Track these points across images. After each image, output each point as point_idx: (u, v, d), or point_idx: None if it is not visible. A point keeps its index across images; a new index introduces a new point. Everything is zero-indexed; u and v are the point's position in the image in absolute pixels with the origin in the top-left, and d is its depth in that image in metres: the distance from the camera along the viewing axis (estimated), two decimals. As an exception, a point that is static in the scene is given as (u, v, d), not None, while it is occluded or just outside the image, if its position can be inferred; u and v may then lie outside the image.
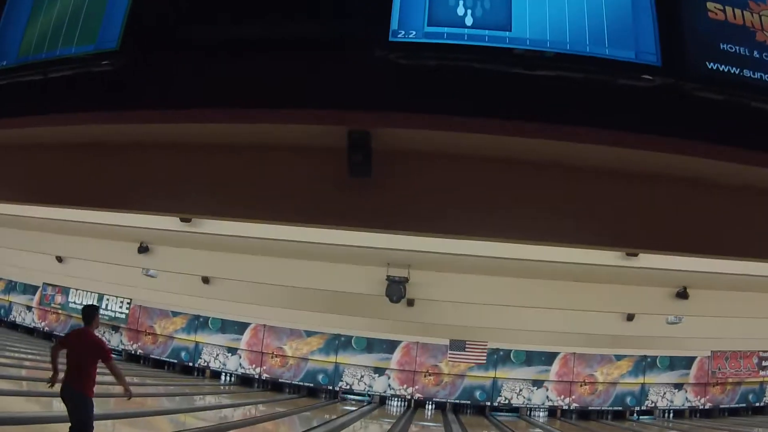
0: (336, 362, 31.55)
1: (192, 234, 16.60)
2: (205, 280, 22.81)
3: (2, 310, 36.86)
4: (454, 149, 8.38)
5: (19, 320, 36.26)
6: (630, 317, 22.44)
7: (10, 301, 36.63)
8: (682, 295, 19.18)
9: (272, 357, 31.97)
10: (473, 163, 8.78)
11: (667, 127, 6.33)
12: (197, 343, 32.69)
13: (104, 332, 32.63)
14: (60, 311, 33.96)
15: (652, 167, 8.06)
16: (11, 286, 36.30)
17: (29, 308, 35.89)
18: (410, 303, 21.47)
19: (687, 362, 32.40)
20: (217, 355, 32.53)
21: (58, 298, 33.41)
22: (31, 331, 35.41)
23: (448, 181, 8.90)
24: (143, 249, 20.11)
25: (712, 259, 13.37)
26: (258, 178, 9.35)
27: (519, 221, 9.19)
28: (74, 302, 32.31)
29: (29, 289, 35.48)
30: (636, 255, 14.04)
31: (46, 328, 35.05)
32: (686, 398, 32.61)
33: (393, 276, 18.59)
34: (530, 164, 8.47)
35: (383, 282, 18.61)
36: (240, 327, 32.33)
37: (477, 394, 31.49)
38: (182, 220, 14.56)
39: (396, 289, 18.61)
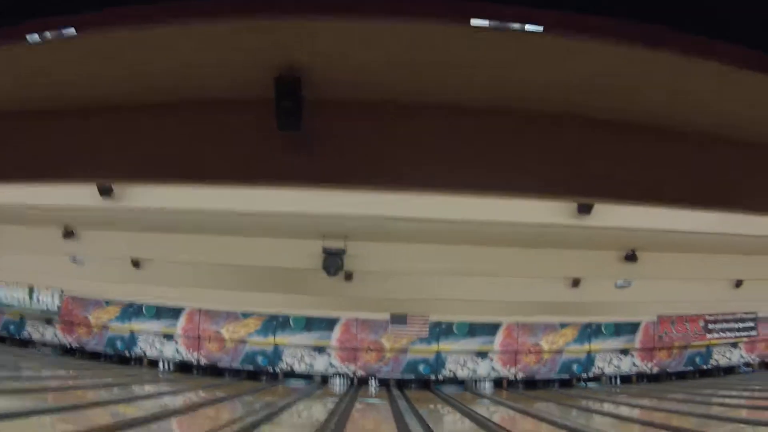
0: (275, 343, 30.88)
1: (117, 213, 15.83)
2: (136, 263, 22.07)
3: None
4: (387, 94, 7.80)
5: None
6: (575, 283, 22.24)
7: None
8: (631, 257, 19.07)
9: (209, 341, 31.17)
10: (408, 111, 8.23)
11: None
12: (132, 331, 31.68)
13: (37, 326, 31.87)
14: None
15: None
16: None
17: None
18: (348, 277, 20.95)
19: (632, 328, 32.39)
20: (154, 342, 31.55)
21: None
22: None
23: (383, 131, 8.31)
24: (69, 234, 19.42)
25: (659, 212, 13.21)
26: (182, 137, 8.72)
27: (464, 171, 8.64)
28: (4, 297, 31.35)
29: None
30: (588, 211, 13.50)
31: None
32: (633, 363, 32.54)
33: (329, 248, 17.97)
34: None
35: (319, 255, 18.01)
36: (175, 313, 31.44)
37: (421, 368, 30.94)
38: (102, 193, 13.72)
39: (333, 262, 18.00)
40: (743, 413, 17.87)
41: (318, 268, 18.05)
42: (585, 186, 9.17)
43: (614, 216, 13.92)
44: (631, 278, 20.95)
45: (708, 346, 32.90)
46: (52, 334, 32.17)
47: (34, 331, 32.08)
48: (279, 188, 11.77)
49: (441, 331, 31.03)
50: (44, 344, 31.92)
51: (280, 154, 8.24)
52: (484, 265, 19.04)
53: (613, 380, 32.34)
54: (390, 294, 23.02)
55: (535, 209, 13.63)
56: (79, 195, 13.98)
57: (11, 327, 32.05)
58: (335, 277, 19.35)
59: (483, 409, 21.92)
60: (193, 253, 19.63)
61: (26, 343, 31.92)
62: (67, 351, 31.99)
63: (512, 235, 16.91)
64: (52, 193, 13.91)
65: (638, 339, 32.48)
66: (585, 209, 13.39)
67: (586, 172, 8.89)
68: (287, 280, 21.88)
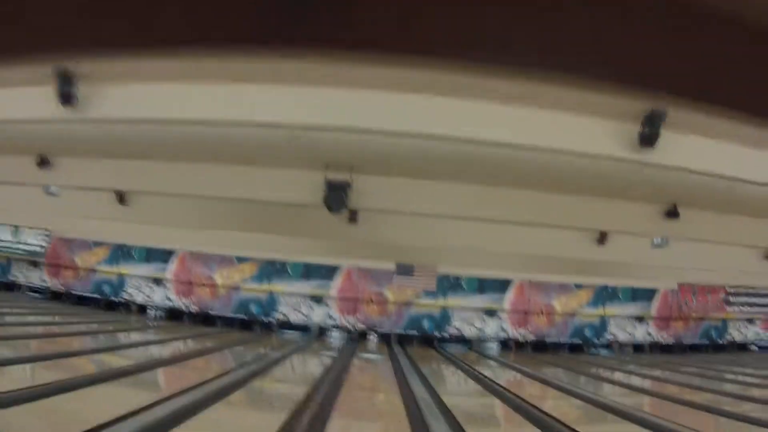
0: (270, 291, 29.26)
1: (90, 132, 14.93)
2: (121, 198, 20.64)
3: None
4: None
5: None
6: (602, 239, 20.63)
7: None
8: (672, 213, 17.62)
9: (201, 287, 29.63)
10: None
11: None
12: (121, 275, 30.20)
13: (23, 269, 30.87)
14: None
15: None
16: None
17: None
18: (353, 218, 19.23)
19: (650, 294, 31.15)
20: (142, 287, 30.08)
21: None
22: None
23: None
24: (43, 162, 18.25)
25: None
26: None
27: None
28: None
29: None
30: (652, 142, 11.74)
31: None
32: (648, 332, 31.27)
33: (333, 180, 16.25)
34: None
35: (321, 189, 16.34)
36: (166, 256, 29.94)
37: (425, 324, 29.33)
38: (63, 99, 12.01)
39: (336, 197, 16.25)
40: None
41: (319, 205, 16.35)
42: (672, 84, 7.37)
43: (677, 152, 12.18)
44: (670, 236, 19.35)
45: (724, 320, 32.16)
46: (38, 277, 31.04)
47: (20, 274, 31.10)
48: (281, 61, 9.90)
49: (449, 285, 29.46)
50: (31, 288, 30.85)
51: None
52: (503, 208, 17.39)
53: (625, 349, 30.91)
54: (397, 240, 21.28)
55: (591, 133, 11.88)
56: (35, 103, 12.44)
57: None
58: (339, 220, 18.29)
59: (490, 371, 20.50)
60: (182, 184, 18.07)
61: (12, 286, 30.89)
62: (56, 296, 30.68)
63: (545, 173, 15.16)
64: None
65: (655, 307, 31.30)
66: (649, 139, 11.63)
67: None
68: (286, 219, 20.32)
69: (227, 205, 19.59)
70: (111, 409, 7.59)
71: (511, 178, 16.07)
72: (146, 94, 12.14)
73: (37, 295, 30.40)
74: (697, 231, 18.59)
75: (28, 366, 11.85)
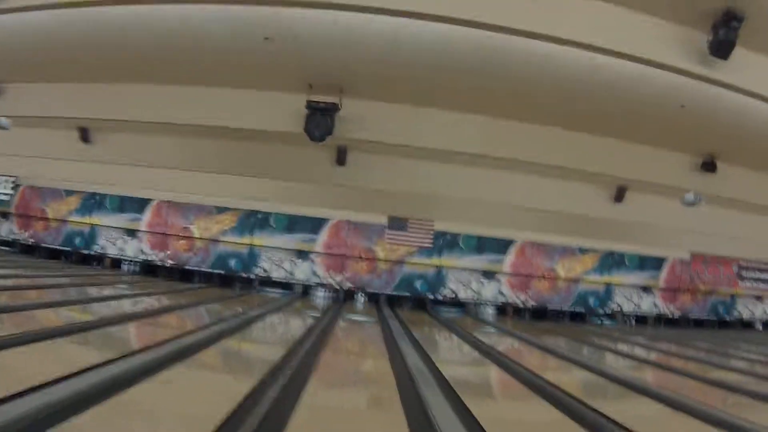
0: (251, 244, 27.40)
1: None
2: (83, 134, 19.49)
3: None
4: None
5: None
6: (619, 195, 18.87)
7: None
8: (709, 166, 16.17)
9: (178, 239, 27.86)
10: None
11: None
12: (93, 225, 28.54)
13: None
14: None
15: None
16: None
17: None
18: (341, 158, 17.39)
19: (658, 263, 29.56)
20: (115, 239, 28.34)
21: None
22: None
23: None
24: None
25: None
26: None
27: None
28: None
29: None
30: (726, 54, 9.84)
31: None
32: (654, 304, 29.75)
33: (316, 102, 14.29)
34: None
35: (303, 113, 14.46)
36: (140, 205, 28.20)
37: (418, 284, 27.44)
38: None
39: (320, 123, 14.31)
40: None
41: (302, 135, 14.51)
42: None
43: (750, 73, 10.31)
44: (704, 192, 17.53)
45: (733, 296, 30.81)
46: (8, 229, 29.69)
47: None
48: None
49: (445, 242, 27.53)
50: (1, 242, 29.50)
51: None
52: (513, 146, 15.60)
53: (629, 320, 29.50)
54: (390, 186, 19.44)
55: (649, 34, 10.04)
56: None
57: None
58: (325, 159, 17.15)
59: (488, 338, 19.03)
60: (150, 111, 16.45)
61: None
62: (27, 249, 29.35)
63: (578, 92, 13.18)
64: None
65: (663, 277, 29.67)
66: (721, 47, 9.69)
67: None
68: (267, 157, 18.65)
69: (202, 141, 17.94)
70: (63, 367, 7.06)
71: (531, 101, 14.21)
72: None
73: (6, 248, 29.12)
74: (732, 189, 17.16)
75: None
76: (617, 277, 28.96)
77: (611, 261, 28.75)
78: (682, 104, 12.80)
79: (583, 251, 28.37)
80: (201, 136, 17.39)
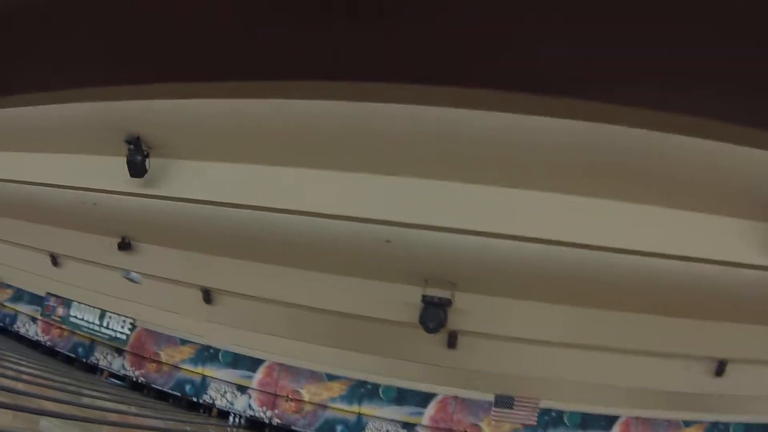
0: (359, 413, 27.47)
1: (168, 216, 14.35)
2: (207, 297, 19.92)
3: (8, 319, 33.96)
4: None
5: (23, 331, 33.28)
6: (720, 370, 18.32)
7: (16, 311, 33.79)
8: None
9: (286, 400, 28.14)
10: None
11: None
12: (204, 376, 29.24)
13: (106, 354, 30.57)
14: (62, 325, 31.29)
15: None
16: (18, 296, 33.60)
17: (34, 319, 32.97)
18: (452, 343, 17.52)
19: (765, 430, 27.71)
20: (225, 392, 28.93)
21: (60, 311, 31.04)
22: (35, 345, 32.45)
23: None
24: (125, 245, 17.66)
25: None
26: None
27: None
28: (75, 316, 30.36)
29: (36, 299, 32.65)
30: None
31: (48, 343, 32.21)
32: None
33: (431, 297, 14.51)
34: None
35: (417, 305, 14.67)
36: (253, 364, 28.81)
37: (522, 462, 27.11)
38: (132, 170, 10.83)
39: (435, 315, 14.52)
40: None
41: (416, 324, 14.66)
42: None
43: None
44: None
45: None
46: (120, 364, 30.66)
47: (102, 358, 30.84)
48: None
49: (549, 420, 27.07)
50: (111, 374, 30.54)
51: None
52: (612, 335, 15.69)
53: None
54: (497, 367, 19.56)
55: (721, 234, 10.08)
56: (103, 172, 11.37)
57: (80, 350, 31.18)
58: (437, 344, 16.86)
59: None
60: (271, 289, 17.02)
61: (94, 368, 30.68)
62: (135, 386, 30.13)
63: (666, 289, 13.30)
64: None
65: None
66: None
67: None
68: (380, 338, 18.92)
69: (318, 317, 18.26)
70: None
71: (627, 296, 14.33)
72: (226, 173, 10.89)
73: (117, 381, 29.96)
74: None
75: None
76: (726, 450, 27.80)
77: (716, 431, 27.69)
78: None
79: (687, 424, 27.33)
80: (315, 311, 17.71)
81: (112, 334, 29.53)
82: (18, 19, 5.90)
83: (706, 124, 5.97)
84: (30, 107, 10.04)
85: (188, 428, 22.43)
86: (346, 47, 5.42)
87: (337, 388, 27.93)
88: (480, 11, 4.87)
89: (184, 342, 29.63)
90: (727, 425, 27.23)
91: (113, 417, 18.77)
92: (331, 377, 27.93)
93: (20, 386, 18.70)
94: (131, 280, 19.43)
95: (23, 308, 33.34)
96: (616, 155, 8.90)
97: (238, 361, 28.94)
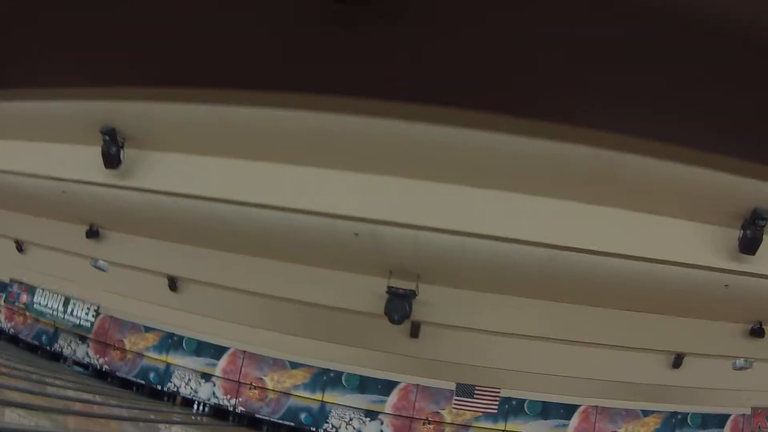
0: (323, 400, 27.75)
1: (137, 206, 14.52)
2: (172, 284, 20.17)
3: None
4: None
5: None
6: (677, 363, 18.95)
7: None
8: (757, 332, 16.35)
9: (250, 388, 28.30)
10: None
11: None
12: (168, 364, 29.26)
13: (70, 341, 30.42)
14: (26, 312, 30.97)
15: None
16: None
17: (-4, 306, 32.86)
18: (414, 332, 17.87)
19: (721, 420, 28.03)
20: (189, 380, 28.99)
21: (23, 298, 30.53)
22: (-3, 333, 32.47)
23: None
24: (92, 233, 17.92)
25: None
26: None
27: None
28: (39, 303, 29.85)
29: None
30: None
31: (12, 330, 31.92)
32: None
33: (396, 288, 14.80)
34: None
35: (384, 297, 14.93)
36: (217, 351, 28.91)
37: (483, 452, 27.60)
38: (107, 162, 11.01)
39: (399, 307, 14.82)
40: None
41: (380, 315, 14.97)
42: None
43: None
44: (754, 357, 17.60)
45: None
46: (84, 352, 30.56)
47: (66, 345, 30.73)
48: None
49: (510, 408, 27.53)
50: (75, 362, 30.49)
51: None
52: (574, 328, 16.14)
53: None
54: (458, 357, 20.21)
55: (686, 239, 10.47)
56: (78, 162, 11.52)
57: (44, 337, 30.97)
58: (400, 332, 17.20)
59: None
60: (236, 278, 17.30)
61: (57, 356, 30.62)
62: (99, 374, 30.06)
63: (627, 286, 13.98)
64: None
65: None
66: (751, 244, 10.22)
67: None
68: (344, 327, 19.31)
69: (283, 306, 18.54)
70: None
71: (588, 292, 14.99)
72: (198, 166, 11.09)
73: (80, 369, 29.97)
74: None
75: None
76: (681, 438, 28.46)
77: (674, 422, 27.82)
78: (726, 284, 13.25)
79: (645, 414, 27.67)
80: (281, 300, 17.92)
81: (77, 321, 29.21)
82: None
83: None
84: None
85: (152, 417, 22.40)
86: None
87: (300, 376, 28.11)
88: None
89: (148, 329, 29.61)
90: (684, 415, 27.76)
91: (78, 406, 18.73)
92: (295, 365, 28.11)
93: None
94: (99, 268, 19.52)
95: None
96: (580, 164, 9.32)
97: (202, 348, 29.02)
